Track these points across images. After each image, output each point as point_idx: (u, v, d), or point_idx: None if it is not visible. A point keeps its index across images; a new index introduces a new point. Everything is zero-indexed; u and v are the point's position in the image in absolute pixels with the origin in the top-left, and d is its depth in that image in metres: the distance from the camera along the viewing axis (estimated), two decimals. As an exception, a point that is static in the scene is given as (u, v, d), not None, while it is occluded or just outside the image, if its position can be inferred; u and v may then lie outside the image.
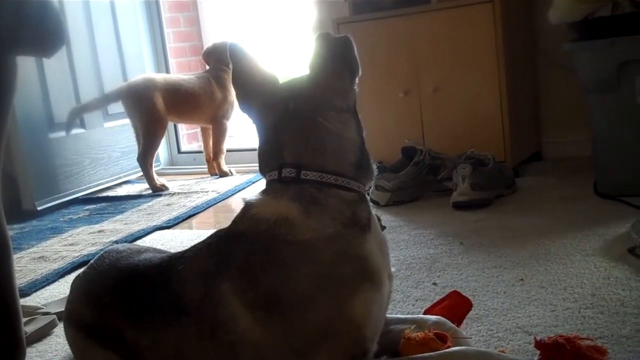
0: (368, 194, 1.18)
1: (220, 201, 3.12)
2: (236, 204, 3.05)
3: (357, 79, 1.16)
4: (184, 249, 1.25)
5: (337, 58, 1.13)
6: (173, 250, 1.34)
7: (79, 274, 1.43)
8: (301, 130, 1.12)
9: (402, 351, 1.18)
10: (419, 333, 1.19)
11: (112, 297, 1.27)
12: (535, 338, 1.18)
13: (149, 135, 3.44)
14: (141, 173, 3.53)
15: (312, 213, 1.07)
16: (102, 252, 1.42)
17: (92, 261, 1.40)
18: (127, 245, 1.44)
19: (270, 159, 1.15)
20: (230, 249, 1.12)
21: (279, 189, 1.11)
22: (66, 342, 1.58)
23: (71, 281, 1.44)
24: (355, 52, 1.15)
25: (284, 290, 1.05)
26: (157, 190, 3.44)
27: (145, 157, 3.45)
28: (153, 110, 3.40)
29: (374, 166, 1.19)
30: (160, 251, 1.38)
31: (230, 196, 3.20)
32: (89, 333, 1.30)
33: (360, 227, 1.11)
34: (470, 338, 1.32)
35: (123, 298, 1.25)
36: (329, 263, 1.06)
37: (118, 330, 1.23)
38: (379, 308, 1.11)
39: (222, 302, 1.07)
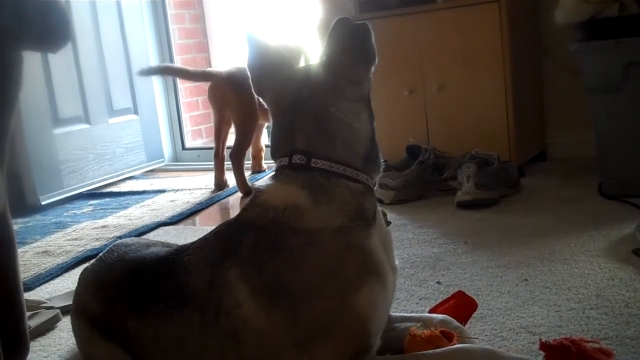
0: (374, 187, 1.18)
1: (224, 197, 3.12)
2: (240, 201, 3.04)
3: (373, 68, 1.15)
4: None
5: (355, 46, 1.13)
6: (177, 247, 1.34)
7: (87, 267, 1.44)
8: (314, 118, 1.12)
9: (408, 348, 1.18)
10: (424, 330, 1.19)
11: (119, 289, 1.28)
12: (540, 339, 1.18)
13: (245, 129, 3.17)
14: (145, 169, 3.50)
15: (320, 202, 1.08)
16: (111, 245, 1.43)
17: (101, 254, 1.41)
18: (135, 239, 1.45)
19: (281, 144, 1.15)
20: (239, 236, 1.12)
21: (288, 175, 1.12)
22: (69, 335, 1.59)
23: (75, 276, 1.45)
24: (373, 40, 1.14)
25: (290, 278, 1.06)
26: (248, 195, 3.27)
27: (239, 154, 3.14)
28: (252, 102, 3.05)
29: (382, 159, 1.19)
30: (169, 245, 1.38)
31: (234, 193, 3.20)
32: (94, 324, 1.31)
33: (365, 220, 1.11)
34: (477, 338, 1.32)
35: (129, 290, 1.26)
36: (336, 255, 1.06)
37: (123, 322, 1.24)
38: (384, 302, 1.11)
39: (228, 288, 1.08)
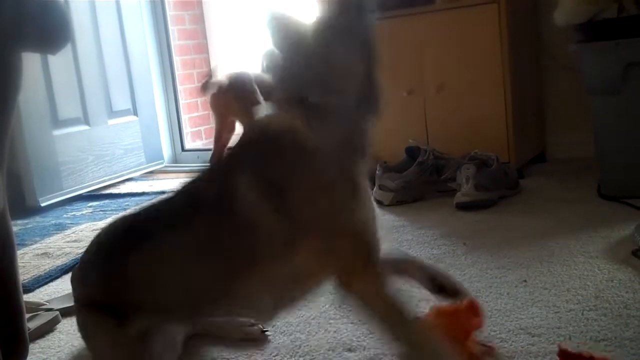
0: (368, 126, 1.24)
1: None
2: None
3: (368, 14, 1.22)
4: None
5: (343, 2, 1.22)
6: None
7: (73, 272, 1.42)
8: (311, 62, 1.22)
9: (428, 319, 1.22)
10: (449, 304, 1.20)
11: (123, 249, 1.28)
12: (559, 345, 1.18)
13: None
14: (144, 171, 3.50)
15: (316, 129, 1.19)
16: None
17: (81, 256, 1.40)
18: (106, 230, 1.40)
19: (284, 83, 1.26)
20: (243, 152, 1.25)
21: (286, 108, 1.22)
22: (69, 338, 1.59)
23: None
24: None
25: (288, 184, 1.17)
26: None
27: None
28: (255, 105, 3.07)
29: (381, 103, 1.25)
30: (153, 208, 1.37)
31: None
32: (103, 312, 1.28)
33: (354, 151, 1.22)
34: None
35: (133, 246, 1.27)
36: (330, 172, 1.18)
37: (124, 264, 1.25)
38: (374, 220, 1.20)
39: (238, 194, 1.18)
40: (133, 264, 1.25)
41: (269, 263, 1.19)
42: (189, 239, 1.22)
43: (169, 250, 1.23)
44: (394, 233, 2.17)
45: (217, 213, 1.21)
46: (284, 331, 1.51)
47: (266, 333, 1.50)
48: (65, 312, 1.73)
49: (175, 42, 4.33)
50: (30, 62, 2.96)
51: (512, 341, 1.32)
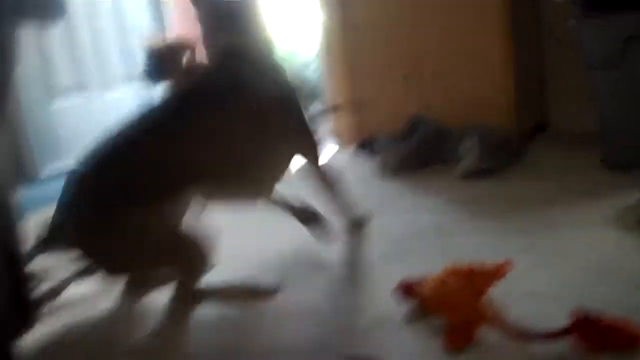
0: None
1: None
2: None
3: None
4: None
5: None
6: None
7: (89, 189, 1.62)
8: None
9: (441, 277, 1.26)
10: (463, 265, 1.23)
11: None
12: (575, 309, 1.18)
13: None
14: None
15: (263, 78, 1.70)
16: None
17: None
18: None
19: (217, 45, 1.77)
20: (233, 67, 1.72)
21: (240, 59, 1.74)
22: (74, 305, 1.59)
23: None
24: None
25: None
26: None
27: None
28: None
29: None
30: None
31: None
32: None
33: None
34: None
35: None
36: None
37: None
38: None
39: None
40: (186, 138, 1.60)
41: (278, 147, 1.67)
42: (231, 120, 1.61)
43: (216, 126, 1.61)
44: (399, 201, 2.17)
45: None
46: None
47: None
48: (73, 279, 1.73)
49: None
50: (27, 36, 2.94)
51: (516, 306, 1.31)
